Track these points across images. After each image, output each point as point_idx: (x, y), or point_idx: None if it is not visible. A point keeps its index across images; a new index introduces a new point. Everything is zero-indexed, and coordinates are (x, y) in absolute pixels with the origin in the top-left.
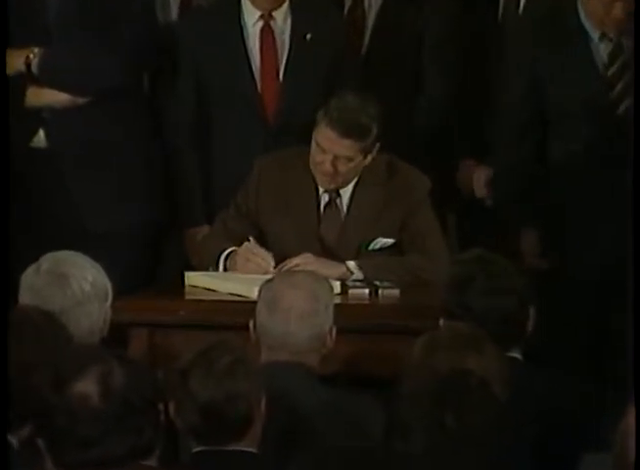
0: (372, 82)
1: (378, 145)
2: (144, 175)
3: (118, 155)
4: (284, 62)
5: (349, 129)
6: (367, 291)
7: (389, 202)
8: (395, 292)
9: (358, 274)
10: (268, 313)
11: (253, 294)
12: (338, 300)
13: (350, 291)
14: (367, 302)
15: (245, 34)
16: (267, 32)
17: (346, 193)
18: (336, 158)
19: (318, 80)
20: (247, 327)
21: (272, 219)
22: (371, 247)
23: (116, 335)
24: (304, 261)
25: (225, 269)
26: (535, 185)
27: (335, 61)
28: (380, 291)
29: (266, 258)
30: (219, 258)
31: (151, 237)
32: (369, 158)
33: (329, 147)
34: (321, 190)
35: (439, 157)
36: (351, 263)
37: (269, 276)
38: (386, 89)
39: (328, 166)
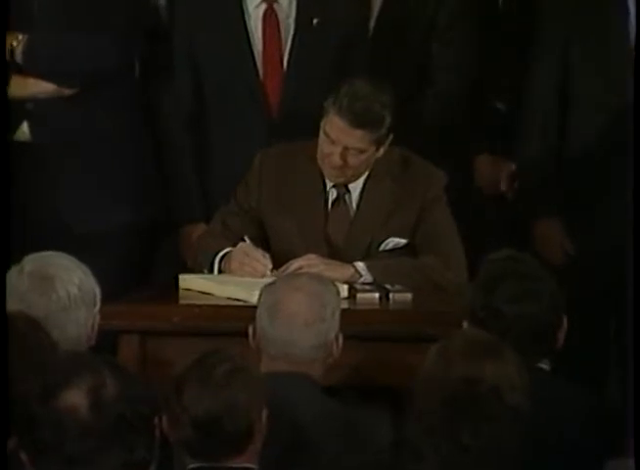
0: (379, 70)
1: (391, 136)
2: (135, 170)
3: (107, 148)
4: (288, 48)
5: (360, 118)
6: (377, 295)
7: (403, 198)
8: (407, 296)
9: (367, 277)
10: (269, 319)
11: (253, 298)
12: (345, 304)
13: (359, 295)
14: (377, 307)
15: (246, 18)
16: (270, 16)
17: (356, 189)
18: (345, 149)
19: (325, 68)
20: (246, 334)
21: (275, 217)
22: (382, 247)
23: (105, 343)
24: (308, 263)
25: (220, 272)
26: (556, 175)
27: (344, 47)
28: (391, 295)
29: (262, 261)
30: (214, 259)
31: (143, 236)
32: (381, 150)
33: (338, 138)
34: (329, 185)
35: (453, 151)
36: (360, 265)
37: (270, 279)
38: (393, 77)
39: (337, 159)
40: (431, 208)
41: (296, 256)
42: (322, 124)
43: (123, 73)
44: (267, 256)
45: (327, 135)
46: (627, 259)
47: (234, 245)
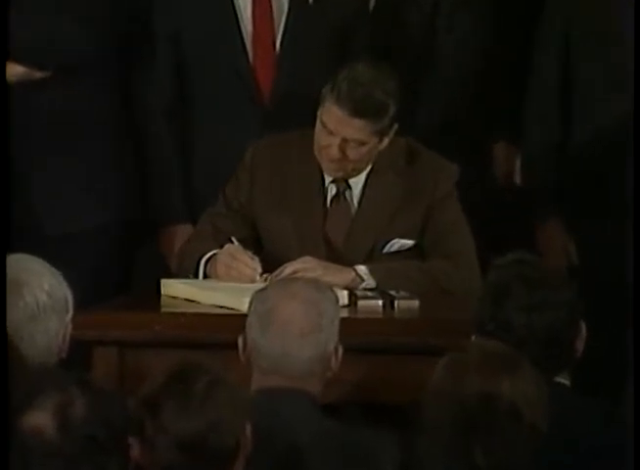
0: (379, 52)
1: (395, 126)
2: (113, 165)
3: (83, 140)
4: (281, 29)
5: (361, 107)
6: (380, 302)
7: (409, 195)
8: (414, 304)
9: (370, 282)
10: (261, 330)
11: (243, 306)
12: (345, 313)
13: (360, 302)
14: (380, 315)
15: None
16: None
17: (358, 184)
18: (344, 141)
19: (322, 51)
20: (235, 346)
21: (268, 215)
22: (386, 249)
23: (78, 355)
24: (304, 267)
25: (205, 277)
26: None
27: (342, 28)
28: (396, 302)
29: (250, 264)
30: (199, 262)
31: (121, 238)
32: (385, 141)
33: (336, 128)
34: (327, 180)
35: (465, 140)
36: (362, 268)
37: (262, 285)
38: (394, 61)
39: (335, 151)
40: (440, 205)
41: (290, 258)
42: (319, 113)
43: (100, 60)
44: (256, 259)
45: (324, 125)
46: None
47: (222, 247)
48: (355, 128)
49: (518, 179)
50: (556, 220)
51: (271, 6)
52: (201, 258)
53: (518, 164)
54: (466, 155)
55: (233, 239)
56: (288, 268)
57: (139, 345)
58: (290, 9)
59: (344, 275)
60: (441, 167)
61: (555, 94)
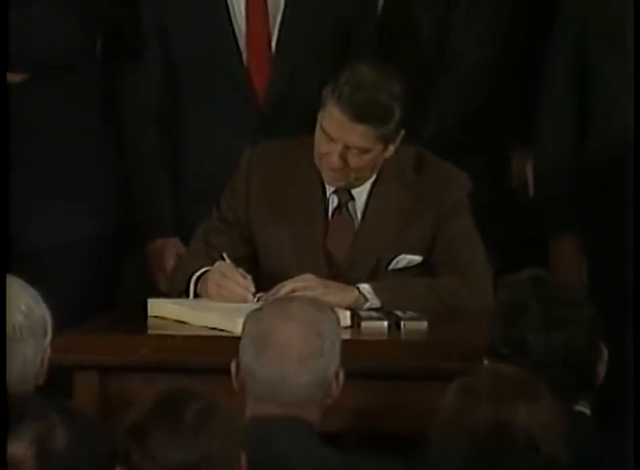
0: (387, 54)
1: (402, 133)
2: (95, 174)
3: (62, 146)
4: (277, 27)
5: (363, 111)
6: (385, 323)
7: (417, 207)
8: (422, 325)
9: (374, 302)
10: (256, 353)
11: (237, 327)
12: (347, 335)
13: (364, 323)
14: (385, 337)
15: None
16: None
17: (362, 194)
18: (346, 148)
19: (322, 51)
20: (227, 371)
21: (265, 228)
22: (392, 266)
23: (58, 382)
24: (304, 285)
25: (196, 296)
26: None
27: (345, 25)
28: (402, 323)
29: (242, 283)
30: (189, 280)
31: (104, 254)
32: (390, 149)
33: (337, 134)
34: (329, 191)
35: (479, 146)
36: (366, 287)
37: (257, 305)
38: (403, 60)
39: (336, 159)
40: (450, 217)
41: (288, 275)
42: (319, 118)
43: (82, 59)
44: (249, 277)
45: (324, 131)
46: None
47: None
48: (358, 134)
49: (531, 191)
50: (570, 234)
51: (266, 2)
52: (191, 276)
53: (531, 174)
54: (478, 163)
55: (224, 255)
56: (285, 287)
57: (124, 369)
58: (286, 5)
59: (347, 294)
60: (452, 176)
61: (569, 97)
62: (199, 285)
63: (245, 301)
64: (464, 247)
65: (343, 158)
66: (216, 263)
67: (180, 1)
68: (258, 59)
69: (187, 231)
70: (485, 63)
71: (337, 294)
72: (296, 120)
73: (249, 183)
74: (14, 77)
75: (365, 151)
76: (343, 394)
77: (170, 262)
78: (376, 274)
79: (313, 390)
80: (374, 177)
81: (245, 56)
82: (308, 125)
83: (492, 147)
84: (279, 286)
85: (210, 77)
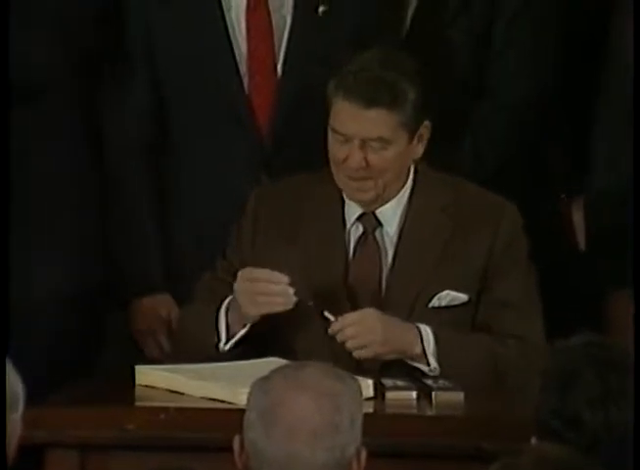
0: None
1: (426, 123)
2: (72, 219)
3: (37, 188)
4: (283, 47)
5: (373, 92)
6: (414, 394)
7: (460, 237)
8: (458, 396)
9: (431, 348)
10: (264, 429)
11: (241, 399)
12: (369, 408)
13: (388, 394)
14: (414, 411)
15: (225, 9)
16: (258, 5)
17: (392, 220)
18: (364, 143)
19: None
20: (229, 449)
21: (275, 268)
22: (432, 303)
23: (30, 462)
24: (360, 318)
25: (228, 328)
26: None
27: (364, 44)
28: (433, 394)
29: (276, 278)
30: (217, 317)
31: (82, 312)
32: (418, 147)
33: (352, 128)
34: (352, 218)
35: (523, 186)
36: (426, 328)
37: (263, 371)
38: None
39: (356, 159)
40: (504, 260)
41: (302, 327)
42: (329, 122)
43: (59, 84)
44: (285, 277)
45: (337, 132)
46: None
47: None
48: (372, 122)
49: (581, 242)
50: (625, 290)
51: (270, 19)
52: (218, 312)
53: (581, 223)
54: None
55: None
56: (344, 320)
57: (106, 447)
58: (293, 22)
59: (407, 333)
60: (499, 205)
61: (626, 127)
62: (229, 316)
63: (287, 297)
64: (521, 299)
65: (364, 155)
66: (238, 275)
67: (171, 20)
68: (262, 86)
69: (178, 286)
70: (530, 91)
71: (395, 329)
72: (303, 155)
73: (256, 221)
74: None
75: (385, 142)
76: None
77: (158, 324)
78: (412, 314)
79: None
80: (405, 200)
81: (245, 81)
82: (318, 161)
83: (539, 191)
84: (339, 319)
85: (206, 107)
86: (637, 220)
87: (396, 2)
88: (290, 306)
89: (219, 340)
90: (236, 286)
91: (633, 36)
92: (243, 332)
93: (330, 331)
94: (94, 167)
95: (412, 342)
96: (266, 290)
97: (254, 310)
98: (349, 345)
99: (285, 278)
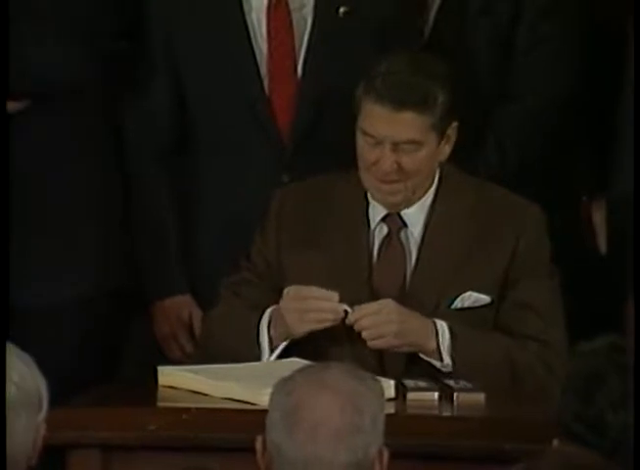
0: None
1: (454, 125)
2: (95, 222)
3: (57, 191)
4: (304, 49)
5: (404, 95)
6: (436, 395)
7: (484, 238)
8: (479, 397)
9: (446, 344)
10: (286, 429)
11: (263, 399)
12: (391, 408)
13: (410, 395)
14: (436, 411)
15: (245, 10)
16: (278, 6)
17: (417, 221)
18: (395, 146)
19: (357, 77)
20: (252, 449)
21: (299, 269)
22: (455, 304)
23: (53, 462)
24: (378, 309)
25: (270, 339)
26: None
27: (387, 46)
28: (455, 395)
29: (326, 296)
30: (259, 328)
31: (106, 316)
32: (445, 147)
33: (383, 131)
34: (376, 218)
35: (548, 190)
36: (442, 323)
37: (285, 371)
38: (459, 91)
39: (388, 162)
40: (529, 256)
41: (327, 329)
42: (358, 124)
43: (81, 89)
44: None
45: (366, 134)
46: None
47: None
48: (403, 124)
49: (602, 245)
50: None
51: (291, 20)
52: (259, 323)
53: (602, 226)
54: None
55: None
56: (363, 310)
57: (128, 448)
58: (314, 23)
59: (425, 327)
60: (523, 207)
61: None
62: (272, 332)
63: (339, 316)
64: (543, 303)
65: (395, 158)
66: (284, 292)
67: (192, 22)
68: (282, 88)
69: (200, 288)
70: (555, 93)
71: (413, 321)
72: (324, 158)
73: (279, 221)
74: (14, 105)
75: (417, 144)
76: None
77: (180, 326)
78: (436, 314)
79: None
80: (430, 201)
81: (266, 83)
82: (339, 163)
83: (562, 193)
84: (359, 308)
85: (227, 108)
86: (637, 221)
87: (419, 3)
88: (338, 322)
89: (262, 353)
90: (282, 304)
91: (633, 36)
92: (285, 344)
93: (347, 321)
94: (115, 170)
95: (427, 336)
96: (316, 307)
97: (304, 328)
98: (365, 335)
99: (335, 295)
